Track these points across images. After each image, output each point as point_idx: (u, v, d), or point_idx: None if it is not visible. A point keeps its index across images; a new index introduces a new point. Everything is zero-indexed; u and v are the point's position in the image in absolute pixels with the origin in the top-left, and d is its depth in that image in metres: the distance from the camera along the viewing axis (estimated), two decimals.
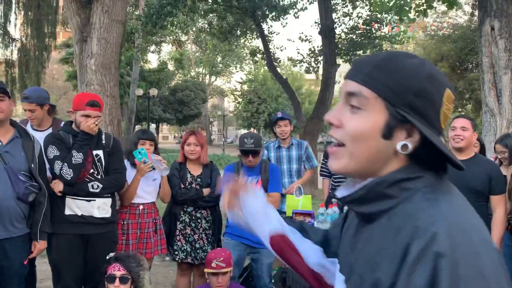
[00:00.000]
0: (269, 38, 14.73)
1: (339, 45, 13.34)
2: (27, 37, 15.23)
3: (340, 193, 0.87)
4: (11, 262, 2.60)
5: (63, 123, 3.58)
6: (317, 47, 14.33)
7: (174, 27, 14.92)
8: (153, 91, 22.48)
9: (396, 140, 0.78)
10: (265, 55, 14.44)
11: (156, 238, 3.36)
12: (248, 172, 3.40)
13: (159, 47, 31.89)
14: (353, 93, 0.80)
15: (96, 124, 2.90)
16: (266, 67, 20.28)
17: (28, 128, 3.35)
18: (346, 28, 14.06)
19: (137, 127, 27.32)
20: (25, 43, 15.13)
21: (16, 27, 15.42)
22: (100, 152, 2.96)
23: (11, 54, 15.17)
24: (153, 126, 33.60)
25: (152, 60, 33.88)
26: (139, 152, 3.18)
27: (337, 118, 0.82)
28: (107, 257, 2.83)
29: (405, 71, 0.78)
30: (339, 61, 13.12)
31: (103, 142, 3.01)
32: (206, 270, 2.93)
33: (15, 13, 14.64)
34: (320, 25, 12.37)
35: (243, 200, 1.11)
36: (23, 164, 2.64)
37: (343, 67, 11.40)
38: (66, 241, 2.86)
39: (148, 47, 28.03)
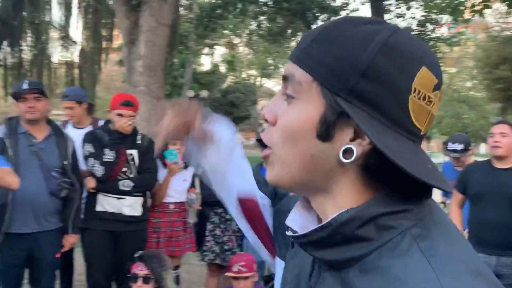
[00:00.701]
0: None
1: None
2: (85, 40, 16.05)
3: (291, 223, 0.62)
4: (44, 254, 2.71)
5: (100, 121, 3.72)
6: None
7: (224, 30, 15.14)
8: (204, 93, 22.91)
9: (337, 143, 0.53)
10: None
11: (185, 236, 3.41)
12: None
13: (211, 49, 32.49)
14: (286, 76, 0.58)
15: (129, 124, 2.98)
16: None
17: (69, 126, 3.51)
18: None
19: None
20: (84, 45, 15.94)
21: (76, 31, 16.31)
22: (134, 152, 3.04)
23: (72, 56, 16.01)
24: None
25: (205, 63, 34.55)
26: (170, 153, 3.23)
27: (273, 112, 0.59)
28: (135, 255, 2.89)
29: (350, 41, 0.53)
30: None
31: (138, 142, 3.08)
32: (227, 274, 2.92)
33: (76, 17, 15.45)
34: None
35: (208, 149, 0.98)
36: (57, 161, 2.76)
37: None
38: (97, 236, 2.96)
39: (201, 50, 28.62)
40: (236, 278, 2.81)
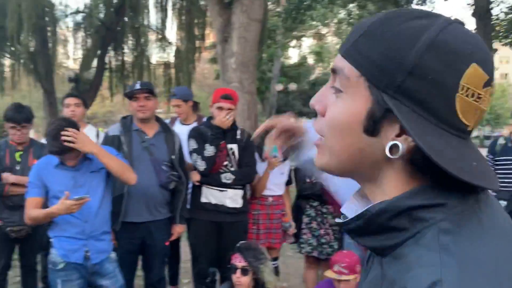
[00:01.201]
0: None
1: (497, 28, 11.85)
2: (180, 40, 16.89)
3: (346, 210, 0.64)
4: (155, 242, 2.93)
5: (205, 118, 3.91)
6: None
7: (313, 21, 14.99)
8: (292, 86, 22.94)
9: (384, 138, 0.54)
10: None
11: (283, 228, 3.46)
12: None
13: (299, 41, 32.41)
14: (334, 69, 0.59)
15: (228, 118, 3.08)
16: None
17: (177, 123, 3.76)
18: (506, 7, 12.41)
19: None
20: (179, 46, 16.81)
21: (172, 32, 17.21)
22: (234, 146, 3.15)
23: (168, 57, 16.97)
24: None
25: (293, 55, 34.50)
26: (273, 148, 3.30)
27: (322, 103, 0.60)
28: (237, 245, 2.99)
29: (398, 37, 0.52)
30: (496, 45, 11.67)
31: (238, 137, 3.19)
32: (326, 273, 2.86)
33: (171, 19, 16.32)
34: (474, 6, 11.15)
35: None
36: (166, 155, 2.95)
37: (503, 52, 10.09)
38: (202, 226, 3.12)
39: (289, 43, 28.68)
40: (336, 279, 2.76)
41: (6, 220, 3.18)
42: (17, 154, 3.27)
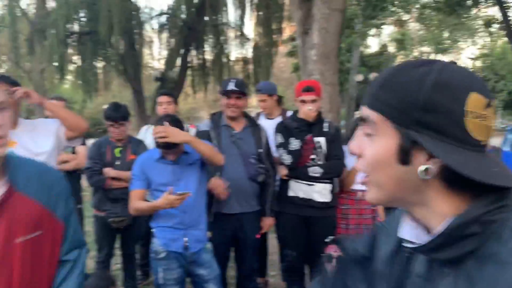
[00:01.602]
0: (508, 4, 12.67)
1: None
2: (258, 36, 17.05)
3: (406, 235, 0.73)
4: (247, 235, 2.98)
5: (288, 112, 3.90)
6: None
7: (395, 7, 14.33)
8: (373, 76, 22.17)
9: (416, 165, 0.66)
10: (503, 25, 12.51)
11: (370, 226, 3.33)
12: None
13: (379, 30, 31.20)
14: (364, 119, 0.73)
15: (312, 109, 3.03)
16: (504, 39, 17.56)
17: (261, 117, 3.78)
18: None
19: (356, 114, 27.47)
20: (257, 41, 16.98)
21: (249, 28, 17.45)
22: (321, 139, 3.09)
23: (247, 52, 17.21)
24: None
25: (372, 44, 33.38)
26: None
27: (358, 146, 0.74)
28: (326, 240, 2.95)
29: (408, 84, 0.67)
30: None
31: (325, 130, 3.12)
32: None
33: (249, 15, 16.52)
34: None
35: None
36: (253, 148, 2.99)
37: None
38: (290, 220, 3.10)
39: (368, 32, 27.74)
40: None
41: (108, 211, 3.42)
42: (116, 150, 3.50)
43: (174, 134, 2.44)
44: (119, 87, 18.22)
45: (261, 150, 3.01)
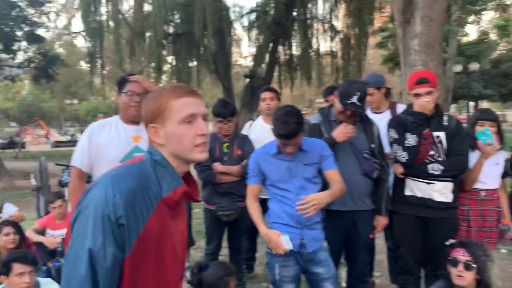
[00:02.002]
0: None
1: None
2: (347, 28, 16.60)
3: None
4: (360, 233, 2.86)
5: (398, 105, 3.70)
6: None
7: None
8: (474, 66, 20.57)
9: None
10: None
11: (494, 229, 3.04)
12: None
13: (479, 16, 28.86)
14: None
15: (429, 101, 2.82)
16: None
17: (368, 111, 3.61)
18: None
19: (452, 106, 25.71)
20: (346, 33, 16.55)
21: (338, 20, 17.05)
22: (441, 134, 2.87)
23: (336, 46, 16.84)
24: (471, 104, 30.90)
25: (471, 32, 30.96)
26: (483, 133, 2.92)
27: None
28: (447, 243, 2.74)
29: None
30: None
31: (445, 123, 2.90)
32: None
33: (338, 7, 16.14)
34: None
35: None
36: (365, 144, 2.85)
37: None
38: (406, 221, 2.93)
39: (466, 19, 25.79)
40: None
41: (217, 205, 3.51)
42: (224, 146, 3.58)
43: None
44: (211, 86, 18.82)
45: (373, 145, 2.87)
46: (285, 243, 2.43)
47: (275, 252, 2.50)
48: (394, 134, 2.96)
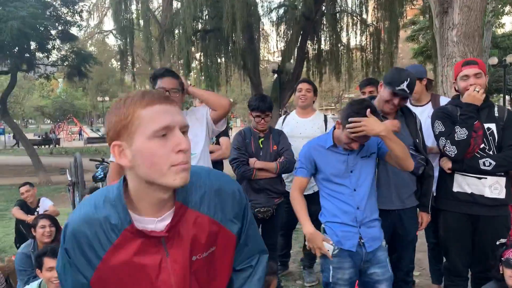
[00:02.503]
0: None
1: None
2: (378, 21, 16.26)
3: None
4: (406, 231, 2.74)
5: (441, 98, 3.54)
6: None
7: None
8: (510, 58, 19.81)
9: None
10: None
11: None
12: None
13: None
14: None
15: (478, 91, 2.66)
16: None
17: (407, 104, 3.47)
18: None
19: None
20: (376, 26, 16.21)
21: (368, 14, 16.71)
22: (492, 126, 2.71)
23: (366, 40, 16.51)
24: (507, 98, 29.84)
25: (507, 23, 29.84)
26: None
27: None
28: (497, 243, 2.60)
29: None
30: None
31: (496, 114, 2.74)
32: None
33: (367, 0, 15.82)
34: None
35: None
36: (409, 139, 2.71)
37: None
38: (454, 219, 2.78)
39: (503, 9, 24.86)
40: None
41: (253, 201, 3.45)
42: (259, 141, 3.51)
43: (371, 126, 2.23)
44: (239, 82, 18.82)
45: (418, 140, 2.73)
46: (328, 249, 2.35)
47: (314, 253, 2.41)
48: (440, 127, 2.80)
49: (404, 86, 2.56)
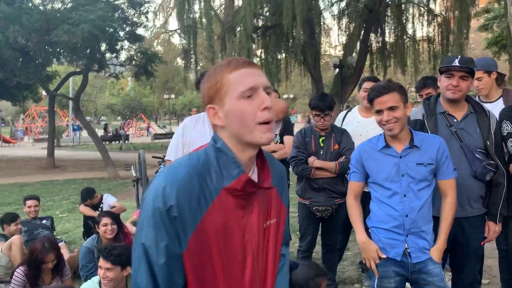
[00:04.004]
0: None
1: None
2: (447, 11, 15.40)
3: None
4: (469, 241, 2.54)
5: None
6: None
7: None
8: None
9: None
10: None
11: None
12: None
13: None
14: None
15: None
16: None
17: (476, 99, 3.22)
18: None
19: None
20: (445, 16, 15.36)
21: (435, 3, 15.87)
22: None
23: (433, 31, 15.72)
24: None
25: None
26: None
27: None
28: None
29: None
30: None
31: None
32: None
33: None
34: None
35: None
36: (479, 141, 2.50)
37: None
38: None
39: None
40: None
41: (312, 200, 3.40)
42: (320, 140, 3.44)
43: None
44: (300, 77, 18.70)
45: (489, 142, 2.50)
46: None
47: (367, 263, 2.32)
48: (509, 127, 2.57)
49: (456, 62, 2.41)
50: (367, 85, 3.62)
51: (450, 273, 3.08)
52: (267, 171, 1.26)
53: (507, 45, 16.04)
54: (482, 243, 2.57)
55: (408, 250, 2.24)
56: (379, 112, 2.22)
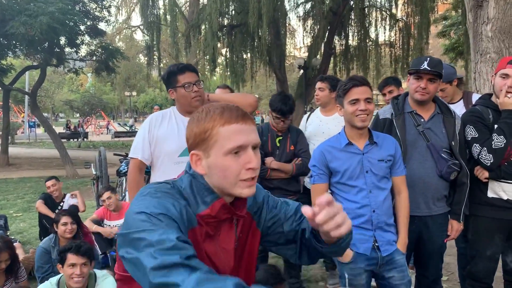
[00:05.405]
0: None
1: None
2: (408, 16, 15.85)
3: None
4: (433, 238, 2.59)
5: (473, 95, 3.37)
6: None
7: None
8: None
9: None
10: None
11: None
12: None
13: None
14: None
15: (510, 98, 2.48)
16: None
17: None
18: None
19: None
20: (406, 21, 15.80)
21: (397, 8, 16.31)
22: None
23: (395, 35, 16.15)
24: None
25: None
26: None
27: None
28: None
29: None
30: None
31: None
32: None
33: None
34: None
35: None
36: (444, 141, 2.55)
37: None
38: (486, 225, 2.63)
39: None
40: None
41: None
42: (277, 140, 3.41)
43: None
44: (265, 77, 18.73)
45: (453, 143, 2.55)
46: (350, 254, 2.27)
47: (341, 261, 2.31)
48: (473, 132, 2.61)
49: (425, 65, 2.45)
50: (316, 84, 3.69)
51: (412, 271, 3.15)
52: (243, 199, 1.25)
53: (463, 52, 16.71)
54: (445, 241, 2.63)
55: (376, 244, 2.28)
56: (354, 102, 2.22)
